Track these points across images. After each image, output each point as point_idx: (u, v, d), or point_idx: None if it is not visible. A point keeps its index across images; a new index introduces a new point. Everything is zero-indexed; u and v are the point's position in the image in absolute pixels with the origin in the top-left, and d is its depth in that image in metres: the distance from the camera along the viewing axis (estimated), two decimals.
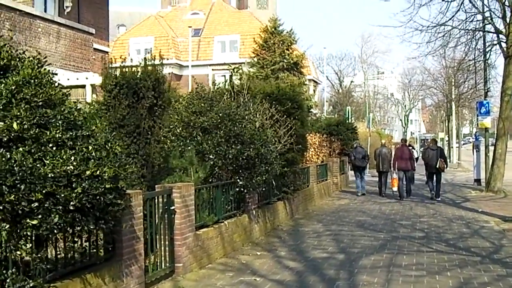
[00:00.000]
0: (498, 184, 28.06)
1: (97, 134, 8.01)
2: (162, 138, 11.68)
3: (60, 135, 7.22)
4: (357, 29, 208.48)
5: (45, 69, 7.97)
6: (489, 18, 28.93)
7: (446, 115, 71.30)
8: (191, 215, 11.42)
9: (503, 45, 28.43)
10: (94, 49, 27.49)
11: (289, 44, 52.57)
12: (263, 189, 15.97)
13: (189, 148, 13.00)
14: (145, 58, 12.06)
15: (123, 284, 8.91)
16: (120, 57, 13.29)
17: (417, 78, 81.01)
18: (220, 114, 14.02)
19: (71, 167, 7.01)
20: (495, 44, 29.44)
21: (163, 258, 10.61)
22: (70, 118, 7.56)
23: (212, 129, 14.00)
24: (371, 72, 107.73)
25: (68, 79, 19.31)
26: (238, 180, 13.98)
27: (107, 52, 30.44)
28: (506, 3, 27.42)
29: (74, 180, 7.02)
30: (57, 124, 7.31)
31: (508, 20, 27.44)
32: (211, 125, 14.00)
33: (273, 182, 17.04)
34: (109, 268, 8.63)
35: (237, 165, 13.97)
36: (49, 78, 7.78)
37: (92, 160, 7.36)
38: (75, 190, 6.95)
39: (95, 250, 8.51)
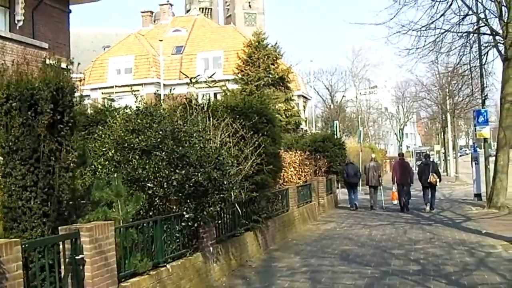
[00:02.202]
0: (501, 199, 25.36)
1: None
2: (71, 164, 8.94)
3: None
4: (348, 43, 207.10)
5: None
6: (484, 19, 26.31)
7: (441, 127, 68.77)
8: (111, 263, 8.70)
9: (501, 47, 25.82)
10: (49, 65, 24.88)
11: (274, 58, 50.45)
12: (219, 221, 13.27)
13: (115, 175, 10.31)
14: (43, 60, 9.37)
15: None
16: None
17: (411, 91, 78.39)
18: (161, 132, 11.36)
19: None
20: (493, 47, 26.76)
21: None
22: None
23: (152, 151, 11.33)
24: (363, 86, 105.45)
25: None
26: (184, 213, 11.25)
27: (68, 70, 27.81)
28: (503, 2, 24.77)
29: None
30: None
31: (505, 19, 24.76)
32: (150, 146, 11.32)
33: (238, 210, 14.38)
34: None
35: (183, 194, 11.28)
36: None
37: None
38: None
39: None
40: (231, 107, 15.74)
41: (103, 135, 12.08)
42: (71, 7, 28.65)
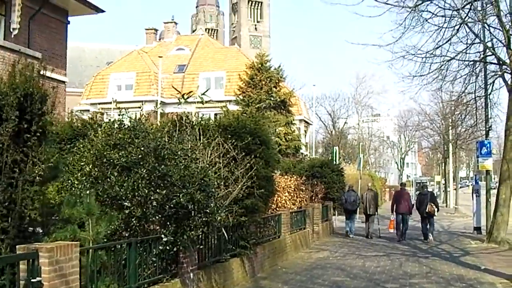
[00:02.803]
0: (502, 234, 24.58)
1: None
2: (38, 177, 8.19)
3: None
4: (352, 70, 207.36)
5: None
6: (491, 48, 25.59)
7: (442, 157, 68.07)
8: None
9: (507, 77, 25.12)
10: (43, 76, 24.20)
11: (277, 81, 49.74)
12: (202, 246, 12.45)
13: (88, 192, 9.57)
14: (13, 64, 8.65)
15: None
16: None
17: (413, 120, 77.69)
18: (142, 148, 10.61)
19: None
20: (499, 76, 26.03)
21: None
22: None
23: (132, 168, 10.58)
24: (366, 113, 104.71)
25: None
26: (163, 236, 10.46)
27: (63, 82, 27.21)
28: (511, 31, 24.05)
29: None
30: None
31: None
32: (130, 162, 10.56)
33: (225, 234, 13.60)
34: None
35: (163, 216, 10.51)
36: None
37: None
38: None
39: None
40: (223, 126, 15.05)
41: (82, 149, 11.30)
42: (70, 18, 28.12)
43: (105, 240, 9.51)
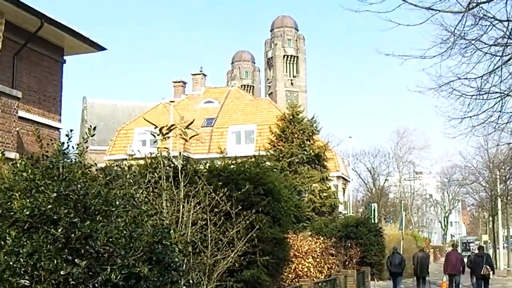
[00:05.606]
0: None
1: None
2: None
3: None
4: (392, 123, 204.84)
5: None
6: None
7: (489, 215, 64.00)
8: None
9: None
10: (22, 118, 20.76)
11: (310, 134, 46.16)
12: None
13: None
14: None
15: None
16: None
17: (457, 176, 74.04)
18: (55, 195, 6.77)
19: None
20: None
21: None
22: None
23: (41, 226, 6.73)
24: (407, 169, 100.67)
25: None
26: None
27: (57, 129, 23.78)
28: None
29: None
30: None
31: None
32: (37, 216, 6.72)
33: None
34: None
35: None
36: None
37: None
38: None
39: None
40: (215, 171, 11.28)
41: None
42: (72, 59, 25.09)
43: None
